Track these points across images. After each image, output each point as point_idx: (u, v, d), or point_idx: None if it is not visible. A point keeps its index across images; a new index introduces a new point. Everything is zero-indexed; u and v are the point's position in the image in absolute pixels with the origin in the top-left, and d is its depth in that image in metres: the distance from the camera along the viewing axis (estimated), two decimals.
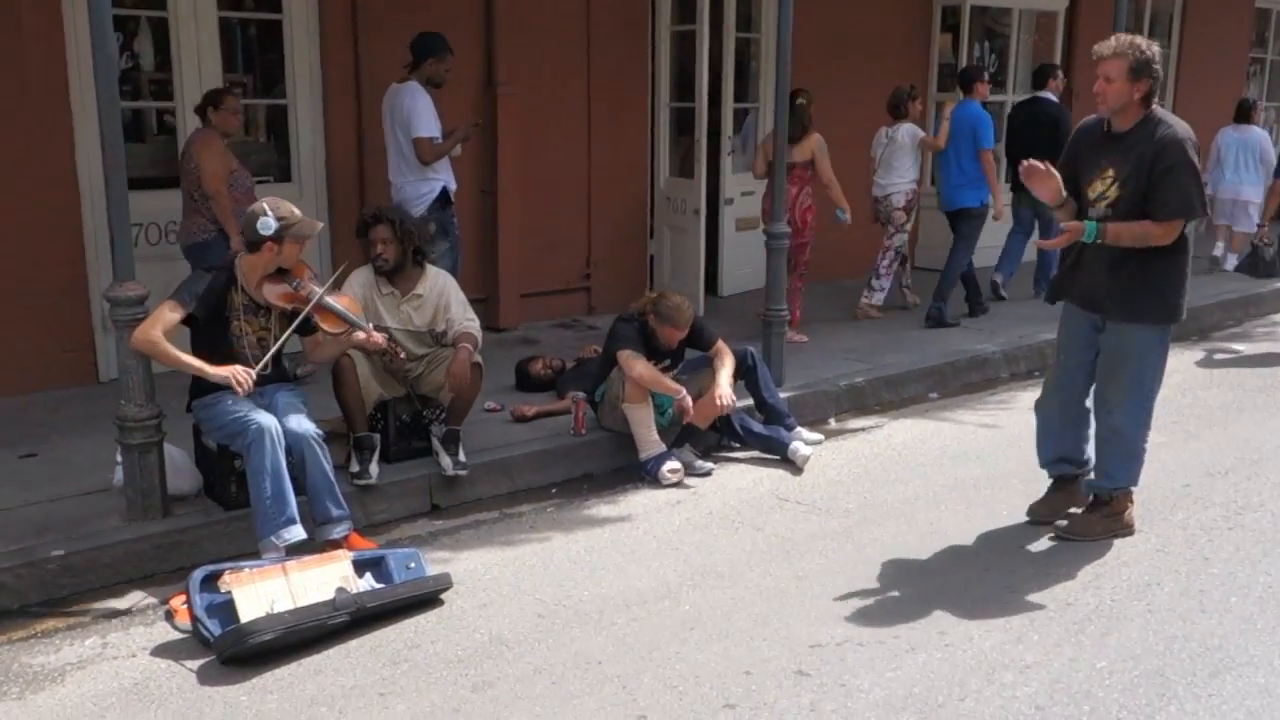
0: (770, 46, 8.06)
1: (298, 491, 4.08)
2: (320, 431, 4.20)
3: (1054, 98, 8.25)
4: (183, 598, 3.70)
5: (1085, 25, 10.27)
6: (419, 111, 5.93)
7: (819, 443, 5.60)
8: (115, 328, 4.19)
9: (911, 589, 4.00)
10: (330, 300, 4.35)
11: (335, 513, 4.15)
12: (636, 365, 5.06)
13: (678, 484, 5.08)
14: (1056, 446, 4.53)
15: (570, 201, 7.81)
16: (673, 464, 5.11)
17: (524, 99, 7.35)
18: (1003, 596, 3.93)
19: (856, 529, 4.57)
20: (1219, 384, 6.84)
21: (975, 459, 5.44)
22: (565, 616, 3.79)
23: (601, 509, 4.85)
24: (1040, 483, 4.68)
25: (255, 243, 4.21)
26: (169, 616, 3.76)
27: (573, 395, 5.48)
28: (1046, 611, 3.80)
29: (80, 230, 5.90)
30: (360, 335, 4.41)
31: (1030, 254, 8.67)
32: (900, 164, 7.73)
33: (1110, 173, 4.10)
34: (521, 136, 7.38)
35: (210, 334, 4.20)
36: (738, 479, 5.19)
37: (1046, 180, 4.08)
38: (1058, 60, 9.75)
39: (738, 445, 5.52)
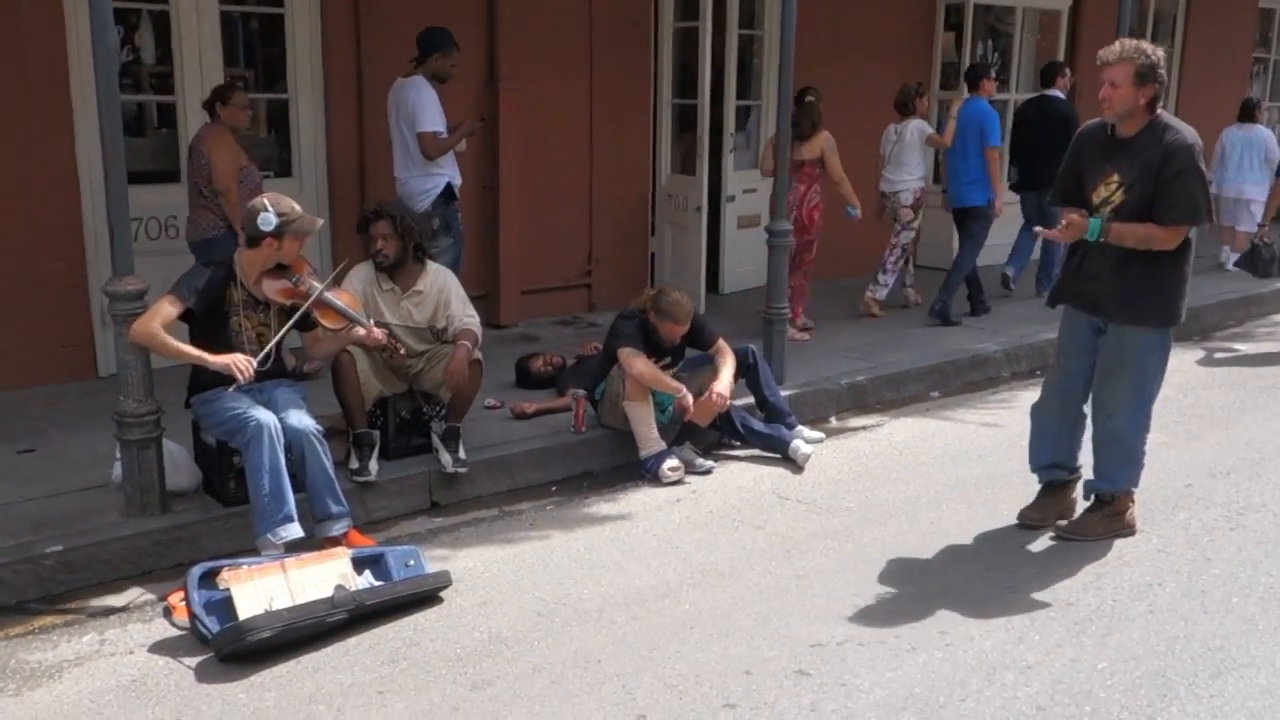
0: (773, 43, 8.04)
1: (297, 488, 4.07)
2: (320, 428, 4.19)
3: (1062, 95, 8.24)
4: (181, 594, 3.68)
5: (1089, 24, 10.25)
6: (424, 106, 5.92)
7: (820, 441, 5.59)
8: (114, 322, 4.17)
9: (912, 588, 3.98)
10: (330, 296, 4.33)
11: (334, 509, 4.14)
12: (637, 363, 5.05)
13: (678, 482, 5.06)
14: (1052, 452, 4.51)
15: (571, 198, 7.79)
16: (673, 462, 5.10)
17: (526, 95, 7.33)
18: (1004, 596, 3.92)
19: (857, 528, 4.56)
20: (1221, 384, 6.83)
21: (976, 458, 5.43)
22: (565, 615, 3.78)
23: (601, 507, 4.83)
24: None
25: (255, 238, 4.20)
26: (167, 613, 3.74)
27: (573, 393, 5.46)
28: (1048, 611, 3.78)
29: (80, 225, 5.89)
30: (360, 331, 4.40)
31: (1035, 251, 8.67)
32: (909, 161, 7.72)
33: (1115, 178, 4.08)
34: (523, 133, 7.36)
35: (209, 329, 4.18)
36: (738, 477, 5.18)
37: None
38: (1061, 59, 9.73)
39: (738, 443, 5.50)
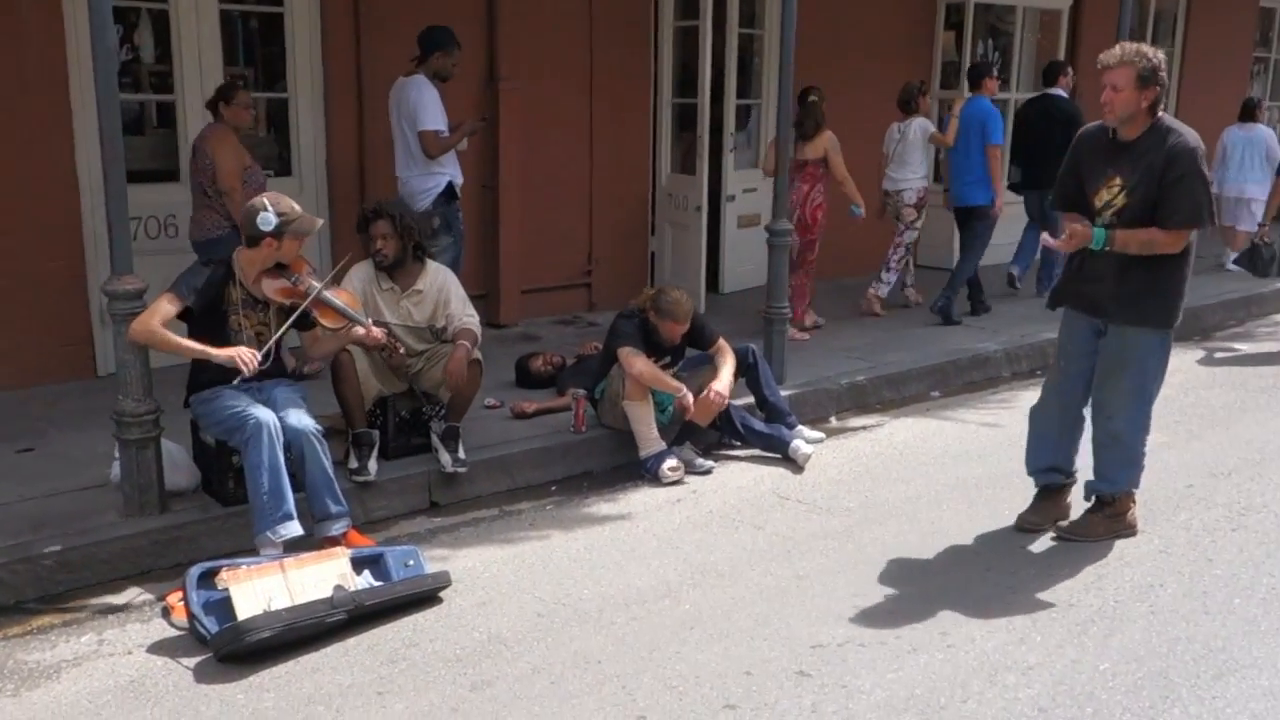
0: (774, 43, 8.03)
1: (296, 488, 4.05)
2: (319, 427, 4.18)
3: (1065, 94, 8.24)
4: (179, 594, 3.67)
5: (1089, 24, 10.24)
6: (425, 105, 5.91)
7: (820, 441, 5.58)
8: (113, 322, 4.16)
9: (913, 589, 3.97)
10: (329, 295, 4.32)
11: (334, 509, 4.13)
12: (637, 362, 5.04)
13: (678, 482, 5.05)
14: (1050, 455, 4.49)
15: (571, 197, 7.78)
16: (673, 462, 5.09)
17: (526, 94, 7.32)
18: (1005, 597, 3.91)
19: (858, 528, 4.55)
20: (1221, 384, 6.82)
21: (977, 458, 5.42)
22: (564, 615, 3.77)
23: (601, 507, 4.82)
24: None
25: (254, 238, 4.19)
26: (165, 613, 3.74)
27: (573, 392, 5.45)
28: (1049, 612, 3.77)
29: (79, 224, 5.88)
30: (359, 331, 4.39)
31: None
32: (912, 160, 7.74)
33: (1117, 181, 4.07)
34: (523, 132, 7.35)
35: (207, 328, 4.17)
36: (738, 477, 5.17)
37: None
38: (1062, 59, 9.72)
39: (738, 443, 5.49)
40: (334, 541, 4.08)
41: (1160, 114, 4.08)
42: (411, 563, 3.96)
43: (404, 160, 6.11)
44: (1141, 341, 4.16)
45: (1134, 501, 4.45)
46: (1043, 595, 3.91)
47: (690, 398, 5.11)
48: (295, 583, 3.64)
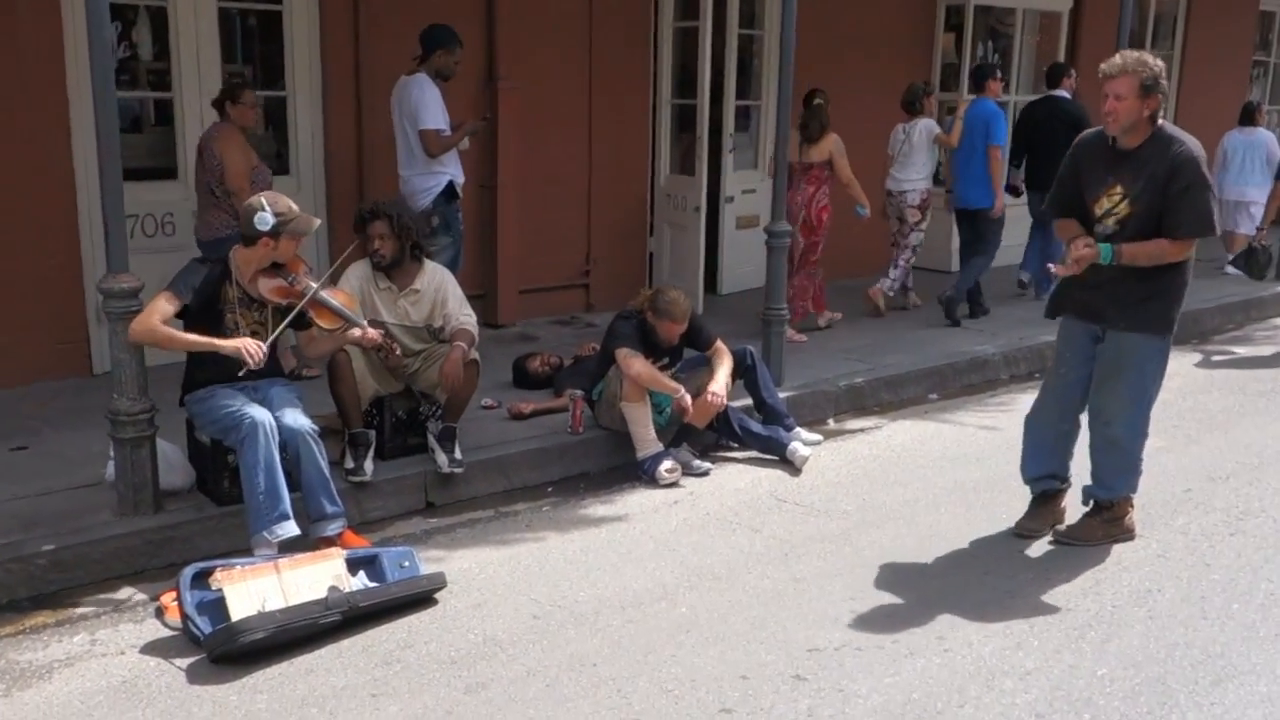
0: (773, 44, 8.01)
1: (292, 488, 4.04)
2: (316, 427, 4.16)
3: (1068, 95, 8.24)
4: (173, 594, 3.65)
5: (1089, 27, 10.24)
6: (426, 104, 5.90)
7: (818, 443, 5.56)
8: (108, 320, 4.14)
9: (910, 593, 3.96)
10: (325, 295, 4.31)
11: (329, 509, 4.11)
12: (635, 363, 5.02)
13: (675, 484, 5.04)
14: (1047, 462, 4.47)
15: (570, 197, 7.77)
16: (670, 463, 5.07)
17: (525, 94, 7.30)
18: (1002, 601, 3.89)
19: (855, 531, 4.53)
20: (1220, 387, 6.81)
21: (975, 461, 5.41)
22: (560, 617, 3.76)
23: (598, 508, 4.81)
24: None
25: (251, 237, 4.17)
26: (159, 614, 3.72)
27: (570, 393, 5.44)
28: (1046, 617, 3.76)
29: (75, 221, 5.86)
30: (355, 332, 4.37)
31: (1016, 257, 8.67)
32: (916, 161, 7.76)
33: (1119, 189, 4.06)
34: (521, 132, 7.33)
35: (204, 326, 4.15)
36: (736, 479, 5.16)
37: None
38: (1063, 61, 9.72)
39: (736, 445, 5.48)
40: (329, 542, 4.06)
41: (1160, 121, 4.07)
42: (407, 564, 3.95)
43: (405, 159, 6.10)
44: (1140, 347, 4.15)
45: (1132, 506, 4.44)
46: (1040, 600, 3.90)
47: (689, 399, 5.10)
48: (290, 583, 3.62)
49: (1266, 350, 7.90)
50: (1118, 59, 4.02)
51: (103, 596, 3.89)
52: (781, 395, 5.68)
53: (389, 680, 3.35)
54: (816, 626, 3.68)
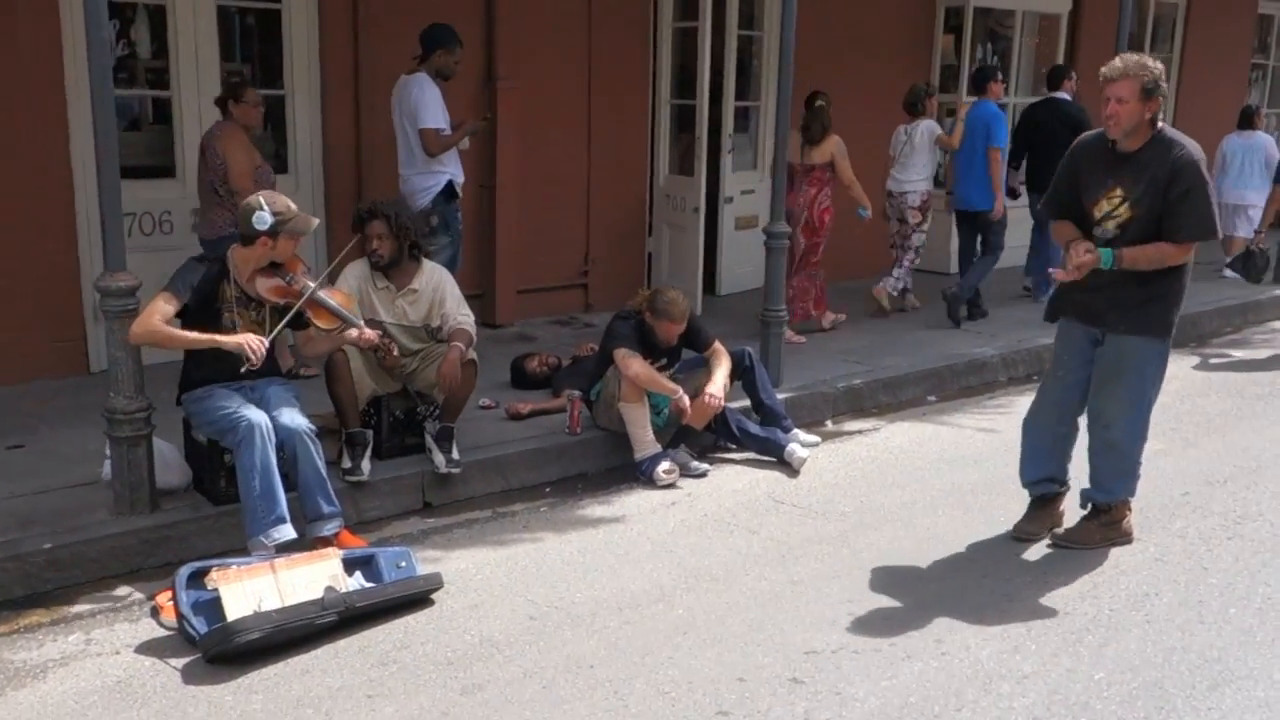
0: (773, 45, 8.01)
1: (288, 488, 4.03)
2: (313, 426, 4.15)
3: (1069, 98, 8.25)
4: (169, 594, 3.65)
5: (1088, 29, 10.23)
6: (426, 103, 5.90)
7: (816, 445, 5.56)
8: (105, 318, 4.13)
9: (908, 596, 3.95)
10: (323, 295, 4.30)
11: (326, 509, 4.10)
12: (633, 364, 5.02)
13: (673, 485, 5.03)
14: (1044, 466, 4.46)
15: (569, 197, 7.76)
16: (668, 465, 5.07)
17: (524, 94, 7.29)
18: (1000, 605, 3.89)
19: (853, 533, 4.53)
20: (1217, 391, 6.81)
21: (973, 464, 5.40)
22: (557, 619, 3.75)
23: (595, 509, 4.80)
24: None
25: (250, 236, 4.16)
26: (154, 613, 3.71)
27: (568, 393, 5.43)
28: (1044, 621, 3.76)
29: (73, 219, 5.85)
30: (352, 333, 4.35)
31: (1021, 258, 8.66)
32: (917, 162, 7.77)
33: (1119, 192, 4.05)
34: (521, 131, 7.32)
35: (201, 326, 4.13)
36: (733, 481, 5.15)
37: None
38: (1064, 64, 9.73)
39: (734, 446, 5.47)
40: (326, 542, 4.06)
41: (1160, 125, 4.06)
42: (403, 564, 3.94)
43: (405, 158, 6.10)
44: (1140, 350, 4.14)
45: (1129, 509, 4.43)
46: (1038, 603, 3.89)
47: (687, 400, 5.09)
48: (286, 583, 3.61)
49: (1264, 353, 7.90)
50: (1118, 62, 4.02)
51: (98, 595, 3.88)
52: (780, 396, 5.68)
53: (385, 681, 3.34)
54: (814, 629, 3.68)
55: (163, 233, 6.10)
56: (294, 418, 4.09)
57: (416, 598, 3.82)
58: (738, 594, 3.95)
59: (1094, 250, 4.01)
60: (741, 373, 5.45)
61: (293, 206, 4.22)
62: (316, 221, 4.44)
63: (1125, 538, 4.39)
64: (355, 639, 3.59)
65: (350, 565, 3.87)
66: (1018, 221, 8.29)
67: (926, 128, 7.74)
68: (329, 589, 3.63)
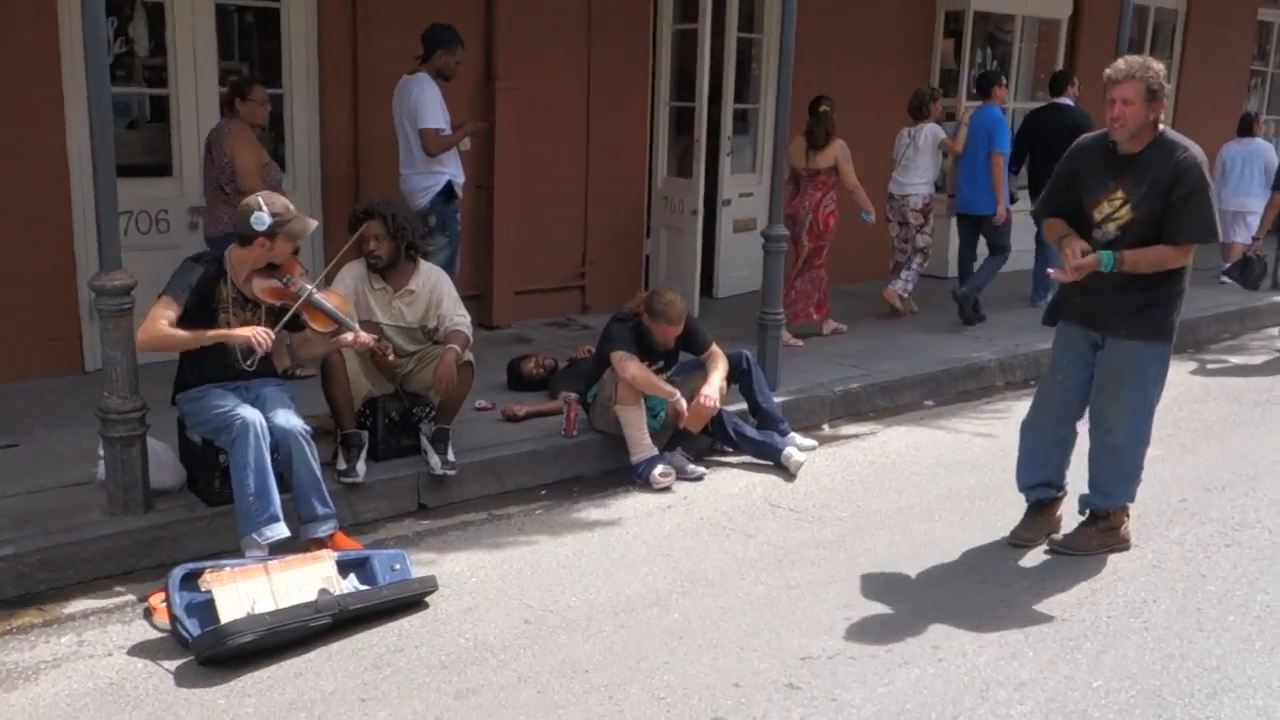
0: (773, 47, 7.99)
1: (283, 489, 4.01)
2: (308, 428, 4.13)
3: (1072, 103, 8.26)
4: (162, 596, 3.62)
5: (1088, 34, 10.23)
6: (426, 103, 5.90)
7: (812, 449, 5.54)
8: (100, 317, 4.10)
9: (905, 601, 3.94)
10: (320, 298, 4.27)
11: (321, 511, 4.08)
12: (630, 366, 5.00)
13: (669, 488, 5.01)
14: (1042, 470, 4.45)
15: (566, 199, 7.74)
16: (664, 468, 5.05)
17: (522, 94, 7.28)
18: (997, 611, 3.87)
19: (849, 538, 4.51)
20: (1215, 397, 6.80)
21: (970, 468, 5.39)
22: (552, 623, 3.73)
23: (591, 512, 4.78)
24: None
25: (247, 237, 4.14)
26: (147, 615, 3.68)
27: (565, 395, 5.41)
28: (1042, 627, 3.74)
29: (69, 217, 5.83)
30: (348, 337, 4.33)
31: (1024, 262, 8.66)
32: (920, 165, 7.79)
33: (1120, 194, 4.04)
34: (519, 132, 7.31)
35: (198, 325, 4.11)
36: (730, 484, 5.13)
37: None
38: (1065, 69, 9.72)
39: (730, 450, 5.46)
40: (320, 544, 4.04)
41: (1162, 126, 4.05)
42: (398, 566, 3.92)
43: (405, 158, 6.10)
44: (1142, 354, 4.13)
45: (1128, 516, 4.42)
46: (1035, 610, 3.88)
47: (684, 403, 5.07)
48: (280, 586, 3.59)
49: (1261, 360, 7.90)
50: (1122, 64, 4.01)
51: (91, 597, 3.85)
52: (776, 400, 5.66)
53: (378, 685, 3.32)
54: (810, 634, 3.66)
55: (159, 231, 6.08)
56: (289, 418, 4.07)
57: (411, 600, 3.80)
58: (734, 599, 3.93)
59: (1090, 250, 4.00)
60: (739, 376, 5.43)
61: (291, 208, 4.20)
62: (315, 224, 4.42)
63: (1123, 544, 4.38)
64: (349, 642, 3.56)
65: (344, 567, 3.85)
66: (1021, 226, 8.28)
67: (930, 131, 7.75)
68: (323, 591, 3.61)
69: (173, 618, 3.52)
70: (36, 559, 3.88)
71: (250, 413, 3.97)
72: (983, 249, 8.18)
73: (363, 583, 3.84)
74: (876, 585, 4.07)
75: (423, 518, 4.68)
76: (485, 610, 3.81)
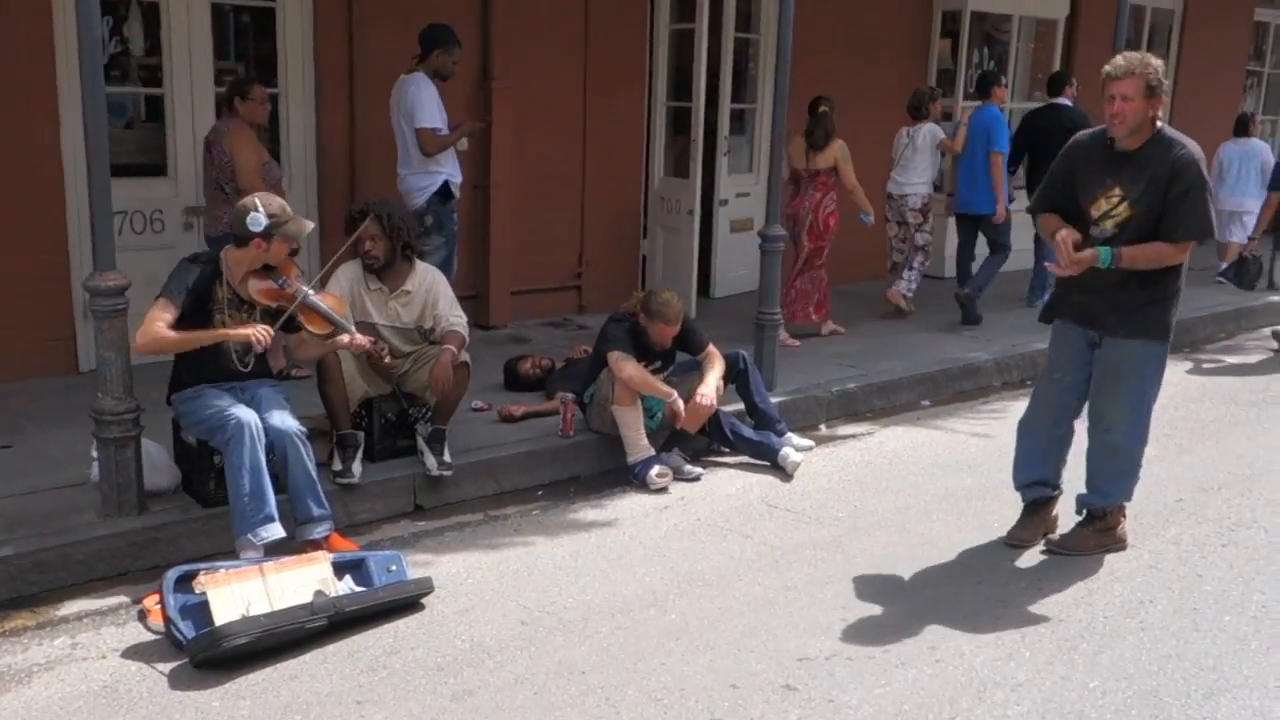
0: (770, 47, 8.00)
1: (278, 490, 4.00)
2: (303, 428, 4.12)
3: (1070, 104, 8.26)
4: (156, 598, 3.61)
5: (1085, 34, 10.24)
6: (423, 102, 5.89)
7: (809, 449, 5.54)
8: (94, 318, 4.09)
9: (902, 602, 3.93)
10: (316, 300, 4.25)
11: (316, 512, 4.07)
12: (626, 367, 4.99)
13: (665, 489, 5.00)
14: (1039, 469, 4.45)
15: (563, 199, 7.73)
16: (661, 468, 5.04)
17: (519, 94, 7.27)
18: (994, 611, 3.87)
19: (846, 538, 4.51)
20: (1211, 397, 6.80)
21: (967, 469, 5.39)
22: (548, 624, 3.72)
23: (588, 513, 4.77)
24: None
25: (243, 238, 4.13)
26: (141, 617, 3.67)
27: (561, 396, 5.40)
28: (1038, 628, 3.74)
29: (64, 217, 5.80)
30: (344, 339, 4.32)
31: (1023, 262, 8.66)
32: (919, 165, 7.81)
33: (1117, 191, 4.03)
34: (515, 132, 7.30)
35: (193, 327, 4.10)
36: (727, 485, 5.12)
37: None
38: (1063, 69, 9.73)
39: (727, 450, 5.45)
40: (315, 545, 4.02)
41: (1160, 123, 4.05)
42: (394, 568, 3.91)
43: (403, 158, 6.09)
44: (1140, 353, 4.13)
45: (1124, 516, 4.42)
46: (1032, 610, 3.87)
47: (680, 403, 5.07)
48: (275, 587, 3.58)
49: (1257, 359, 7.90)
50: (1121, 60, 4.00)
51: (85, 599, 3.84)
52: (773, 400, 5.66)
53: (374, 687, 3.31)
54: (807, 635, 3.65)
55: (154, 231, 6.06)
56: (284, 419, 4.06)
57: (407, 602, 3.79)
58: (730, 599, 3.92)
59: (1092, 247, 3.99)
60: (735, 376, 5.43)
61: (288, 209, 4.19)
62: (311, 225, 4.40)
63: (1119, 544, 4.38)
64: (344, 644, 3.55)
65: (340, 569, 3.84)
66: (1020, 225, 8.28)
67: (929, 131, 7.76)
68: (318, 593, 3.60)
69: (167, 620, 3.51)
70: (30, 561, 3.86)
71: (245, 413, 3.96)
72: (981, 249, 8.19)
73: (358, 584, 3.83)
74: (873, 586, 4.06)
75: (419, 519, 4.67)
76: (481, 611, 3.80)
